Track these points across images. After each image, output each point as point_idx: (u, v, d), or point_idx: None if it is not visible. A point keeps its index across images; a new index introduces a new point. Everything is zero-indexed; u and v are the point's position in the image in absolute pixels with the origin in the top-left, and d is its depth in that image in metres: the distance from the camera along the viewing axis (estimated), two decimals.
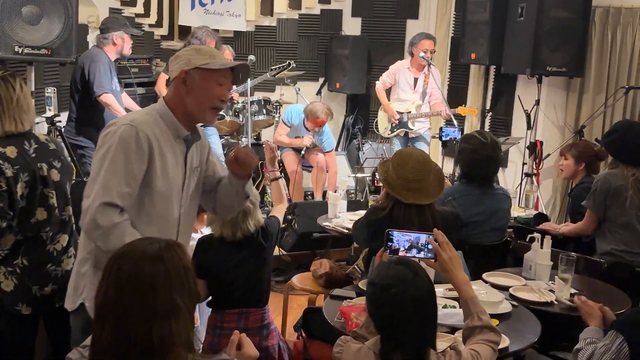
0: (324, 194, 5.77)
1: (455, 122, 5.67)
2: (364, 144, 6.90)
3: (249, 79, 5.36)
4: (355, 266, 4.17)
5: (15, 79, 2.66)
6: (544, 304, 2.86)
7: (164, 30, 6.90)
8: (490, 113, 6.61)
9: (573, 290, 2.93)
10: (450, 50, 7.01)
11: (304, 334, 3.22)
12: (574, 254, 3.05)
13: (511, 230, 4.06)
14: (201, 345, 2.90)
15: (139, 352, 1.52)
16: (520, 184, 5.82)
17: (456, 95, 6.76)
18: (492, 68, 6.52)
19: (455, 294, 2.55)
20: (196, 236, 3.45)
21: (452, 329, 2.47)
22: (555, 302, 2.88)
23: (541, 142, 5.68)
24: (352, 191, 6.13)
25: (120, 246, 1.66)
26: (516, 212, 4.49)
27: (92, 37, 5.60)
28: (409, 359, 1.88)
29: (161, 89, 5.84)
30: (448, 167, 5.68)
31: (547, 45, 5.52)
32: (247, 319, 2.89)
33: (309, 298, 3.77)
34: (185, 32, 6.66)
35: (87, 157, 4.67)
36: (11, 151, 2.59)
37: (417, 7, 7.19)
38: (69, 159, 3.06)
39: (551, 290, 2.98)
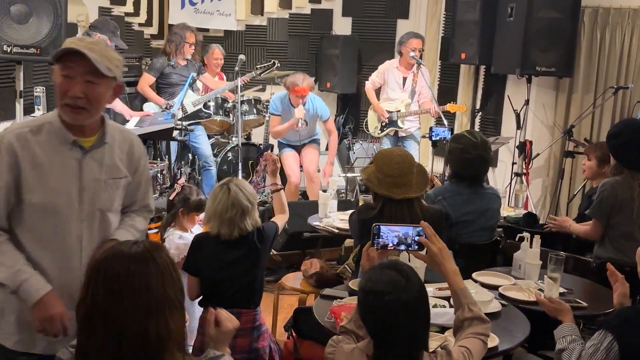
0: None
1: (445, 121, 5.68)
2: (354, 143, 6.91)
3: (238, 78, 5.36)
4: (346, 266, 4.18)
5: None
6: (533, 303, 2.86)
7: (153, 29, 6.88)
8: (480, 113, 6.63)
9: (562, 290, 2.94)
10: (440, 50, 7.02)
11: (294, 334, 3.22)
12: (563, 254, 3.07)
13: (501, 229, 4.08)
14: (191, 345, 2.90)
15: (135, 350, 1.51)
16: (510, 183, 5.84)
17: (446, 94, 6.78)
18: (482, 68, 6.54)
19: (445, 293, 2.57)
20: (186, 235, 3.46)
21: (443, 328, 2.48)
22: None
23: (530, 142, 5.70)
24: (342, 191, 6.14)
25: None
26: (506, 211, 4.50)
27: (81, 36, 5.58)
28: None
29: (144, 88, 5.83)
30: (438, 166, 5.69)
31: (536, 46, 5.54)
32: (239, 319, 2.87)
33: (300, 298, 3.77)
34: None
35: None
36: None
37: (407, 6, 7.20)
38: None
39: (540, 290, 2.99)
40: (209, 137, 6.20)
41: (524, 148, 5.70)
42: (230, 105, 6.06)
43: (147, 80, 5.85)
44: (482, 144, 3.60)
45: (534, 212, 4.70)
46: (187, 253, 2.97)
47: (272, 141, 6.33)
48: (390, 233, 2.27)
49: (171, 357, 1.55)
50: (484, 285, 3.01)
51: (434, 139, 5.01)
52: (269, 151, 3.85)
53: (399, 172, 2.92)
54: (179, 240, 3.40)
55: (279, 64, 5.95)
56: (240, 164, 5.33)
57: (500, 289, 2.98)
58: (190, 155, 6.09)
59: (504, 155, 6.28)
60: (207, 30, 7.00)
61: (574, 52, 5.63)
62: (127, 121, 5.50)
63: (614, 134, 3.63)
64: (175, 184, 3.68)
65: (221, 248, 2.88)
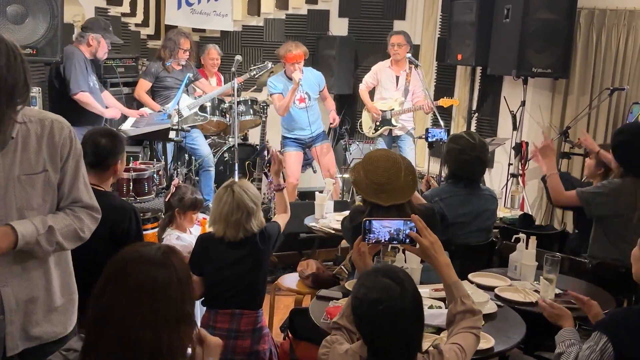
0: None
1: (442, 122, 5.69)
2: (350, 144, 6.91)
3: (235, 78, 5.36)
4: (342, 267, 4.20)
5: None
6: (529, 304, 2.87)
7: (150, 30, 6.87)
8: (477, 114, 6.64)
9: (558, 291, 2.95)
10: (436, 51, 7.03)
11: (290, 335, 3.23)
12: (559, 255, 3.08)
13: (497, 230, 4.08)
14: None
15: (144, 357, 1.50)
16: (506, 184, 5.85)
17: (442, 95, 6.76)
18: (478, 69, 6.55)
19: (441, 294, 2.57)
20: (184, 236, 3.46)
21: (438, 329, 2.48)
22: None
23: (527, 143, 5.71)
24: (339, 191, 6.15)
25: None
26: (502, 212, 4.51)
27: None
28: None
29: (140, 93, 5.83)
30: (434, 167, 5.69)
31: (532, 47, 5.55)
32: (240, 321, 2.89)
33: (296, 298, 3.78)
34: None
35: None
36: None
37: (403, 8, 7.21)
38: None
39: (536, 291, 3.00)
40: (206, 137, 6.20)
41: (520, 149, 5.71)
42: (226, 106, 6.06)
43: (143, 87, 5.85)
44: (480, 145, 3.61)
45: (530, 213, 4.71)
46: (192, 253, 2.99)
47: (272, 143, 6.34)
48: (381, 228, 2.26)
49: None
50: (479, 286, 3.01)
51: (430, 140, 5.01)
52: (274, 150, 3.81)
53: (386, 180, 2.90)
54: (176, 241, 3.40)
55: (273, 65, 5.96)
56: (236, 164, 5.33)
57: (496, 290, 2.98)
58: (186, 156, 6.08)
59: (500, 156, 6.29)
60: (203, 30, 7.00)
61: (570, 54, 5.64)
62: (124, 120, 5.51)
63: (616, 132, 3.61)
64: (170, 185, 3.69)
65: (225, 248, 2.90)
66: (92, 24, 4.99)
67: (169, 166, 5.64)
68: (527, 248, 3.23)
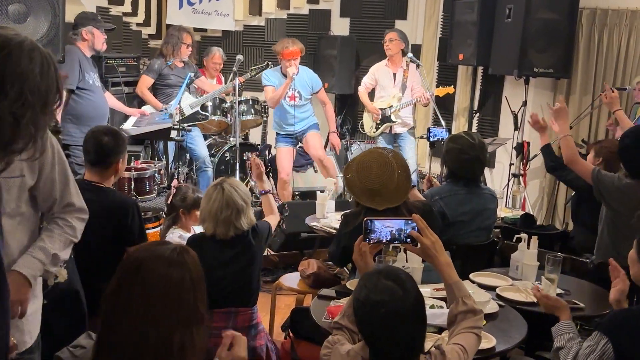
0: None
1: (443, 122, 5.69)
2: (352, 144, 6.91)
3: (236, 78, 5.36)
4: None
5: None
6: (531, 304, 2.87)
7: (151, 29, 6.87)
8: (478, 114, 6.64)
9: (559, 291, 2.94)
10: (438, 51, 7.03)
11: (291, 334, 3.23)
12: (561, 255, 3.07)
13: (498, 230, 4.08)
14: None
15: (155, 356, 1.50)
16: (507, 184, 5.85)
17: (444, 95, 6.77)
18: (480, 69, 6.55)
19: (443, 294, 2.56)
20: (187, 235, 3.46)
21: (440, 329, 2.48)
22: None
23: (528, 143, 5.70)
24: (340, 191, 6.14)
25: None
26: (503, 212, 4.50)
27: None
28: None
29: (143, 90, 5.83)
30: (436, 167, 5.69)
31: (534, 47, 5.55)
32: (236, 318, 2.89)
33: (297, 298, 3.77)
34: None
35: (73, 156, 4.61)
36: None
37: (405, 7, 7.20)
38: None
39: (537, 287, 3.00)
40: (207, 137, 6.20)
41: (521, 149, 5.70)
42: (228, 105, 6.06)
43: (145, 83, 5.84)
44: (480, 145, 3.61)
45: (531, 213, 4.71)
46: None
47: (270, 141, 6.34)
48: (383, 228, 2.26)
49: None
50: (481, 286, 3.00)
51: (431, 139, 5.01)
52: (253, 156, 3.81)
53: (379, 185, 2.89)
54: (178, 240, 3.40)
55: (272, 66, 5.97)
56: (237, 164, 5.33)
57: (497, 289, 2.98)
58: (187, 155, 6.08)
59: (502, 156, 6.28)
60: (205, 30, 7.00)
61: (571, 54, 5.63)
62: (125, 119, 5.51)
63: (623, 135, 3.57)
64: (166, 190, 3.69)
65: (217, 247, 2.89)
66: (80, 19, 4.96)
67: (170, 165, 5.64)
68: (528, 248, 3.23)
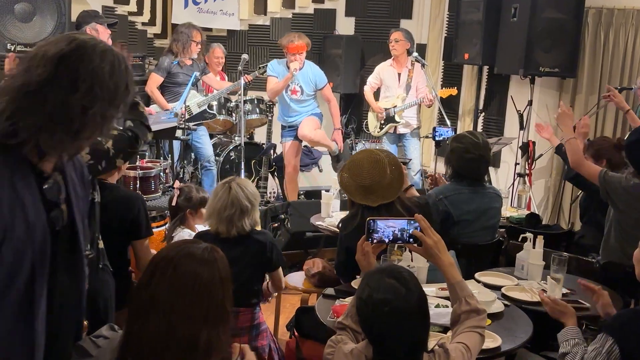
0: None
1: (448, 121, 5.68)
2: (357, 143, 6.91)
3: (241, 77, 5.37)
4: None
5: None
6: (536, 303, 2.86)
7: (157, 29, 6.88)
8: (483, 113, 6.62)
9: (565, 290, 2.94)
10: (443, 51, 7.02)
11: (296, 333, 3.23)
12: (566, 254, 3.06)
13: (503, 230, 4.07)
14: None
15: (181, 352, 1.53)
16: (513, 184, 5.83)
17: (447, 96, 6.77)
18: (485, 68, 6.53)
19: (447, 293, 2.56)
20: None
21: (445, 329, 2.47)
22: None
23: (534, 143, 5.69)
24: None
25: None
26: (508, 212, 4.50)
27: None
28: None
29: (152, 89, 5.83)
30: (441, 167, 5.68)
31: (540, 46, 5.53)
32: (237, 318, 2.89)
33: (302, 297, 3.77)
34: None
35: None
36: None
37: (410, 7, 7.20)
38: None
39: (543, 290, 2.99)
40: (212, 136, 6.21)
41: (527, 149, 5.69)
42: (233, 104, 6.06)
43: (155, 81, 5.83)
44: (484, 144, 3.64)
45: (537, 213, 4.70)
46: None
47: (275, 140, 6.34)
48: (385, 228, 2.26)
49: None
50: (486, 285, 3.00)
51: (437, 139, 5.00)
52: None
53: (371, 181, 2.90)
54: (188, 238, 3.41)
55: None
56: (242, 163, 5.33)
57: (503, 289, 2.97)
58: (193, 154, 6.09)
59: (507, 155, 6.27)
60: (210, 29, 7.01)
61: (577, 53, 5.62)
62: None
63: (631, 133, 3.55)
64: (171, 189, 3.68)
65: (220, 246, 2.88)
66: (82, 18, 4.95)
67: (175, 164, 5.65)
68: (534, 247, 3.22)
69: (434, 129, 5.03)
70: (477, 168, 3.63)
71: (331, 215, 4.27)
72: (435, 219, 3.17)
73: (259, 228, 3.10)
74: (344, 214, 4.21)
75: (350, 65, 6.99)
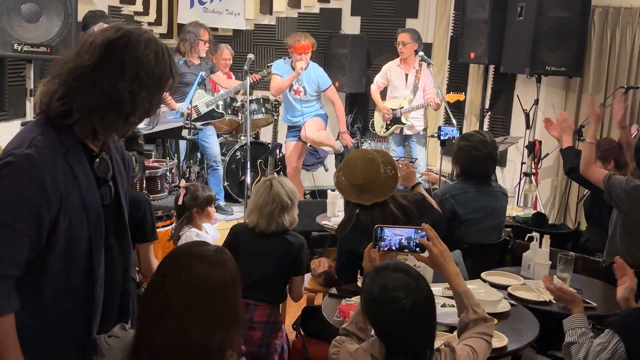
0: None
1: (454, 120, 5.67)
2: (362, 143, 6.91)
3: (247, 77, 5.38)
4: None
5: None
6: (543, 303, 2.86)
7: (162, 29, 6.90)
8: (489, 112, 6.61)
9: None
10: (449, 50, 7.01)
11: (302, 333, 3.23)
12: (573, 254, 3.06)
13: (510, 229, 4.07)
14: None
15: (194, 356, 1.54)
16: (519, 183, 5.82)
17: (454, 101, 6.75)
18: (491, 67, 6.52)
19: None
20: (202, 234, 3.47)
21: (451, 328, 2.47)
22: (554, 302, 2.88)
23: (540, 142, 5.68)
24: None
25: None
26: (515, 211, 4.49)
27: None
28: None
29: None
30: (447, 166, 5.67)
31: (546, 45, 5.52)
32: (254, 312, 2.94)
33: (308, 297, 3.77)
34: None
35: None
36: None
37: (416, 6, 7.19)
38: None
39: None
40: (218, 136, 6.22)
41: (533, 148, 5.68)
42: (239, 104, 6.07)
43: None
44: (492, 142, 3.65)
45: (543, 212, 4.69)
46: (225, 240, 3.13)
47: (281, 140, 6.34)
48: (392, 236, 2.29)
49: None
50: (493, 285, 3.00)
51: (442, 138, 4.98)
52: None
53: (364, 180, 2.92)
54: (196, 238, 3.42)
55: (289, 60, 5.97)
56: (248, 163, 5.34)
57: (509, 288, 2.97)
58: (199, 154, 6.10)
59: (513, 155, 6.26)
60: (216, 29, 7.01)
61: (584, 52, 5.60)
62: None
63: None
64: (178, 188, 3.68)
65: (254, 238, 3.02)
66: (89, 18, 4.97)
67: (181, 164, 5.66)
68: (540, 247, 3.21)
69: (439, 128, 5.01)
70: (485, 166, 3.63)
71: (337, 214, 4.27)
72: (432, 215, 3.17)
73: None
74: None
75: (355, 64, 6.99)
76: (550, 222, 4.34)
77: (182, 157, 5.80)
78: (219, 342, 1.55)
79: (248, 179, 5.14)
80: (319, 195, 6.13)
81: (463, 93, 6.28)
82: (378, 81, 6.33)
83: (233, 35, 7.14)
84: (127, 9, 6.31)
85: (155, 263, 2.60)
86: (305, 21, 7.24)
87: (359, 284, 2.89)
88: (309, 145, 6.26)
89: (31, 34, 4.26)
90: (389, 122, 6.22)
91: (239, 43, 7.14)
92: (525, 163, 5.83)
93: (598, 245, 3.85)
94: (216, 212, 3.97)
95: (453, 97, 6.04)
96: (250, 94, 5.77)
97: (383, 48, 7.13)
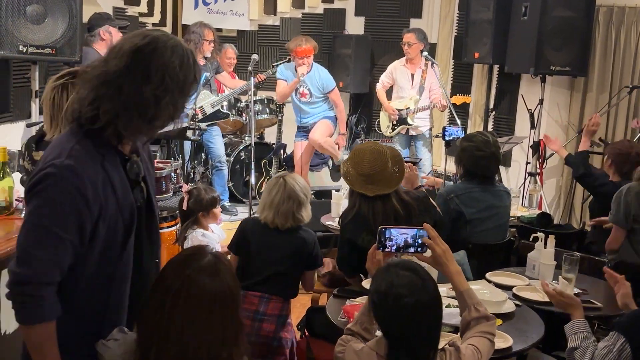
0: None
1: (458, 121, 5.66)
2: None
3: (252, 77, 5.38)
4: None
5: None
6: (548, 303, 2.85)
7: (167, 30, 6.90)
8: (494, 112, 6.60)
9: (577, 290, 2.92)
10: (453, 50, 7.00)
11: (307, 333, 3.23)
12: (578, 254, 3.05)
13: (514, 229, 4.06)
14: None
15: None
16: (524, 183, 5.81)
17: (459, 94, 6.75)
18: (496, 67, 6.51)
19: None
20: (208, 234, 3.47)
21: (456, 329, 2.47)
22: None
23: (545, 142, 5.67)
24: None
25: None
26: (520, 211, 4.48)
27: None
28: None
29: None
30: (452, 166, 5.67)
31: (550, 45, 5.51)
32: (268, 304, 2.97)
33: (312, 297, 3.78)
34: None
35: None
36: (37, 155, 2.61)
37: (420, 6, 7.18)
38: None
39: (549, 284, 2.98)
40: (222, 136, 6.22)
41: (538, 148, 5.67)
42: (243, 104, 6.07)
43: None
44: (494, 142, 3.65)
45: (548, 212, 4.68)
46: (235, 233, 3.13)
47: (285, 140, 6.35)
48: (396, 236, 2.29)
49: None
50: (497, 285, 2.99)
51: (447, 138, 4.97)
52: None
53: (370, 170, 2.94)
54: (202, 238, 3.43)
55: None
56: (253, 163, 5.35)
57: (514, 289, 2.97)
58: (203, 154, 6.10)
59: (518, 155, 6.25)
60: (220, 30, 7.02)
61: (588, 51, 5.59)
62: None
63: None
64: (180, 192, 3.68)
65: (267, 233, 3.02)
66: (95, 20, 4.98)
67: (186, 165, 5.67)
68: (545, 247, 3.21)
69: (444, 128, 5.01)
70: (488, 166, 3.63)
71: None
72: (434, 213, 3.19)
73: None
74: None
75: (360, 64, 6.99)
76: (555, 222, 4.33)
77: (186, 157, 5.81)
78: (227, 357, 1.54)
79: (252, 180, 5.15)
80: (323, 195, 6.13)
81: (469, 95, 6.27)
82: (384, 80, 6.33)
83: (237, 36, 7.15)
84: (132, 10, 6.32)
85: None
86: (309, 21, 7.24)
87: (363, 284, 2.90)
88: None
89: (36, 35, 4.27)
90: (395, 123, 6.21)
91: (243, 44, 7.15)
92: (530, 163, 5.82)
93: (603, 247, 3.85)
94: (221, 212, 3.98)
95: (460, 99, 6.03)
96: (255, 95, 5.79)
97: (387, 48, 7.13)
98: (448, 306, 2.61)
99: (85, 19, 4.75)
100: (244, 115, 6.07)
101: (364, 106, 7.23)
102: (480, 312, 2.10)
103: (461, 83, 6.95)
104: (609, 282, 2.67)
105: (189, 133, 5.14)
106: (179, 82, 1.80)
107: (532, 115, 5.75)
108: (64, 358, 1.75)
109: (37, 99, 4.73)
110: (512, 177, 6.38)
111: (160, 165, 4.43)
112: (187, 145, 5.79)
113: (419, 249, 2.27)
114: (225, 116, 5.93)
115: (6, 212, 3.01)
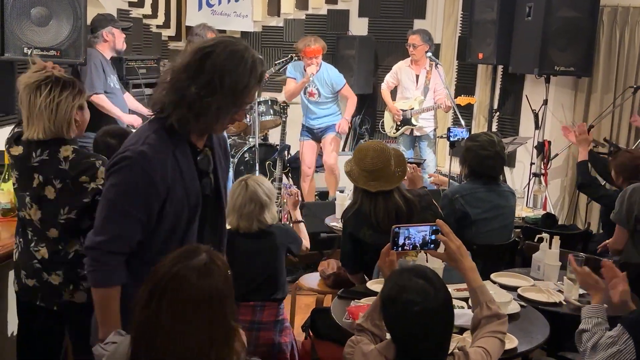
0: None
1: (462, 121, 5.66)
2: None
3: None
4: None
5: (49, 88, 2.49)
6: (553, 304, 2.85)
7: (171, 31, 6.92)
8: (498, 113, 6.59)
9: (582, 291, 2.92)
10: (457, 50, 6.99)
11: (311, 334, 3.23)
12: (583, 254, 3.04)
13: (519, 230, 4.05)
14: None
15: None
16: (528, 184, 5.80)
17: (463, 94, 6.74)
18: (500, 68, 6.50)
19: (464, 294, 2.56)
20: None
21: (461, 330, 2.47)
22: (564, 303, 2.88)
23: (549, 142, 5.66)
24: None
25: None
26: (524, 212, 4.47)
27: None
28: None
29: None
30: (456, 167, 5.66)
31: (555, 45, 5.50)
32: (262, 312, 2.95)
33: (317, 298, 3.78)
34: None
35: None
36: (16, 150, 2.60)
37: (424, 7, 7.18)
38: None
39: (560, 291, 2.98)
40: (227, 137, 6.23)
41: (542, 148, 5.66)
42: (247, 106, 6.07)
43: None
44: (499, 142, 3.67)
45: (553, 213, 4.67)
46: None
47: (289, 141, 6.34)
48: (409, 234, 2.28)
49: None
50: (502, 286, 2.99)
51: (452, 139, 4.97)
52: (291, 188, 3.97)
53: (373, 167, 2.99)
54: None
55: (297, 57, 5.97)
56: (257, 164, 5.35)
57: (519, 290, 2.96)
58: None
59: (522, 155, 6.24)
60: (224, 31, 7.02)
61: (592, 52, 5.58)
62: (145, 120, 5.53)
63: None
64: None
65: (242, 241, 2.98)
66: (98, 21, 4.98)
67: None
68: (550, 248, 3.20)
69: (449, 129, 5.00)
70: (493, 166, 3.63)
71: None
72: (437, 211, 3.20)
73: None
74: None
75: (363, 65, 6.98)
76: (559, 222, 4.32)
77: None
78: (215, 358, 1.50)
79: None
80: (327, 196, 6.14)
81: (474, 96, 6.26)
82: (388, 81, 6.32)
83: (241, 37, 7.16)
84: (136, 12, 6.33)
85: None
86: (313, 23, 7.24)
87: (369, 285, 2.90)
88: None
89: (41, 37, 4.28)
90: (399, 123, 6.21)
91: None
92: (534, 163, 5.81)
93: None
94: None
95: (464, 100, 6.02)
96: (259, 96, 5.79)
97: (391, 49, 7.12)
98: (453, 307, 2.61)
99: (90, 21, 4.75)
100: (247, 116, 6.07)
101: (367, 107, 7.23)
102: (492, 310, 2.10)
103: (465, 84, 6.94)
104: (605, 276, 2.64)
105: None
106: (224, 85, 1.92)
107: (536, 116, 5.74)
108: (124, 321, 1.92)
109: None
110: (516, 177, 6.37)
111: None
112: None
113: (431, 246, 2.27)
114: None
115: (11, 214, 3.02)
